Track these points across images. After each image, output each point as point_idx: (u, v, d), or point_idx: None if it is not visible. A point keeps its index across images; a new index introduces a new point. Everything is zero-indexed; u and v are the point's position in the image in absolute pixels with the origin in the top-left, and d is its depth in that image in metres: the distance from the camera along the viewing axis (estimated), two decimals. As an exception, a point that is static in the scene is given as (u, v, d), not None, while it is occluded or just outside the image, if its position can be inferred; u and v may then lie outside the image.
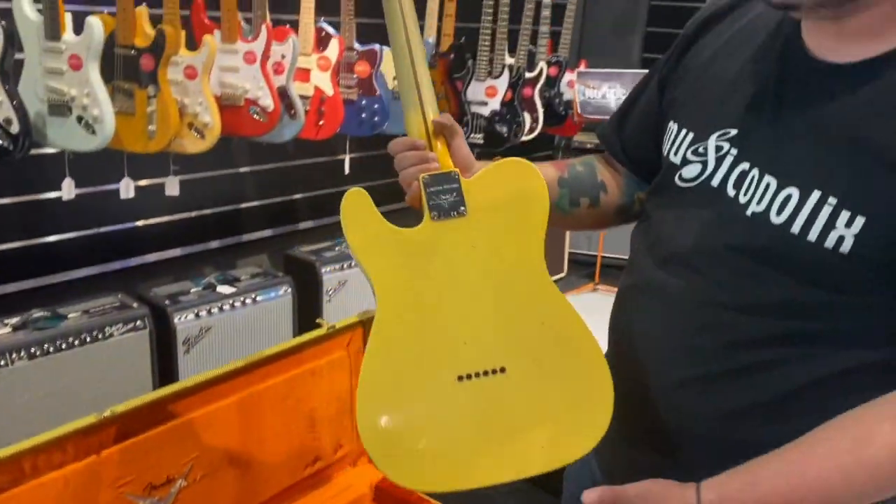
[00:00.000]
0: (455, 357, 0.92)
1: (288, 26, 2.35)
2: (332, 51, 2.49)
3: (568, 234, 3.61)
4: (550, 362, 0.93)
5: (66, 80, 1.96)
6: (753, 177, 0.91)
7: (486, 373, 0.92)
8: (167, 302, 2.28)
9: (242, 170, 2.72)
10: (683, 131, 1.01)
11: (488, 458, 0.89)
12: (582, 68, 3.38)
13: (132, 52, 2.03)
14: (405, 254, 0.99)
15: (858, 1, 0.82)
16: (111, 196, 2.28)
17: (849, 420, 0.83)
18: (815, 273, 0.85)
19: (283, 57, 2.32)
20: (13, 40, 1.89)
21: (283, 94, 2.33)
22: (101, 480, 1.33)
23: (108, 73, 2.02)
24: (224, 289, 2.41)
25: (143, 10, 2.05)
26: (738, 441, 0.90)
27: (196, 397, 1.46)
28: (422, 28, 2.59)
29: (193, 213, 2.62)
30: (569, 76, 3.34)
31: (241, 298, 2.40)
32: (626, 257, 1.10)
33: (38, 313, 2.08)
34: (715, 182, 0.95)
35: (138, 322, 2.17)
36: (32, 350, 1.97)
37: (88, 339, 2.07)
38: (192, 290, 2.38)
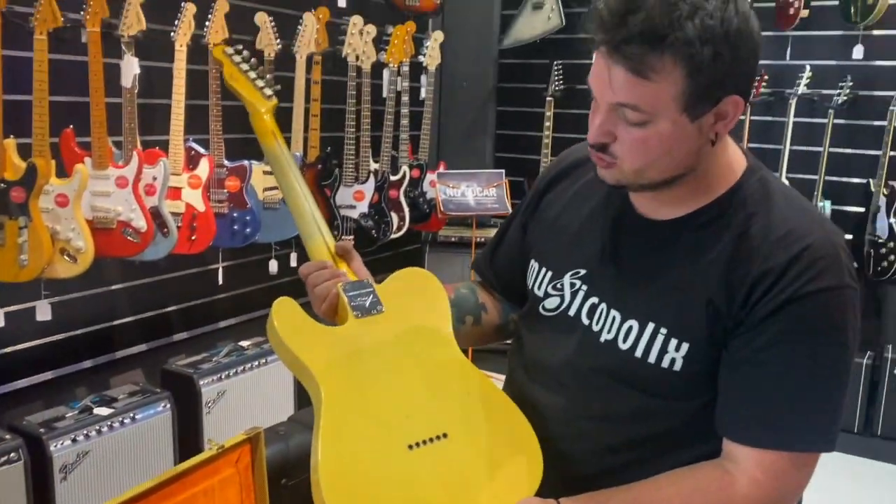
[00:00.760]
0: (401, 429, 1.07)
1: (157, 148, 2.42)
2: (203, 169, 2.58)
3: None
4: (482, 424, 1.11)
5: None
6: (602, 310, 1.14)
7: (431, 440, 1.07)
8: (42, 430, 2.22)
9: (114, 287, 2.72)
10: (543, 269, 1.23)
11: None
12: (441, 170, 3.62)
13: (1, 185, 2.05)
14: (338, 346, 1.14)
15: (671, 183, 1.06)
16: (-23, 325, 2.23)
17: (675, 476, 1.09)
18: (657, 386, 1.09)
19: (154, 179, 2.38)
20: None
21: (155, 214, 2.39)
22: None
23: (-24, 206, 2.02)
24: (101, 410, 2.37)
25: (10, 143, 2.08)
26: None
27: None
28: (288, 141, 2.72)
29: (65, 335, 2.58)
30: (430, 176, 3.57)
31: (120, 418, 2.36)
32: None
33: None
34: (572, 312, 1.17)
35: (12, 455, 2.09)
36: None
37: (-42, 478, 1.99)
38: (68, 415, 2.33)
